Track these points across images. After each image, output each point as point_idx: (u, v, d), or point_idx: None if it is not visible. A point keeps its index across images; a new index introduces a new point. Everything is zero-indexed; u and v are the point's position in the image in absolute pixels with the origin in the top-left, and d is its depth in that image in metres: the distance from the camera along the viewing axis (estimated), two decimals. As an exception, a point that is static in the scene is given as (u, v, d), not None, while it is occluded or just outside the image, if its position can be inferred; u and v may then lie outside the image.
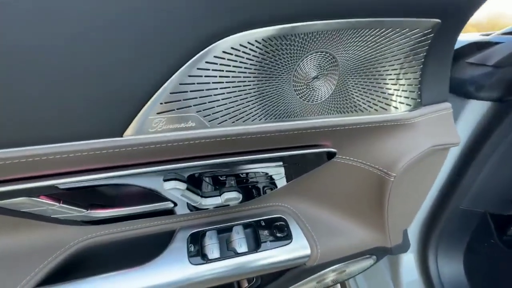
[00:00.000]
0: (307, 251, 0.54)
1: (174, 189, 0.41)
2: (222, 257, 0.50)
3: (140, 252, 0.51)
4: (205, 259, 0.50)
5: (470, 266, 0.94)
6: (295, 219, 0.58)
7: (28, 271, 0.43)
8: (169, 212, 0.52)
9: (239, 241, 0.52)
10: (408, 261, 0.97)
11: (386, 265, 1.05)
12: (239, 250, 0.52)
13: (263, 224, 0.56)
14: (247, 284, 0.64)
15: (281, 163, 0.47)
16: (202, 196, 0.47)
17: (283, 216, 0.58)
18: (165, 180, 0.40)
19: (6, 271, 0.43)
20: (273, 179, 0.51)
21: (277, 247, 0.53)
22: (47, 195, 0.38)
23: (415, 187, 0.53)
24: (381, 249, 0.62)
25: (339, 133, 0.42)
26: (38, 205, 0.37)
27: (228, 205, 0.52)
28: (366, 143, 0.46)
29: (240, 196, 0.49)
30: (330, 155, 0.47)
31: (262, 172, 0.47)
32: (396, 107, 0.43)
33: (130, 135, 0.33)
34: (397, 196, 0.49)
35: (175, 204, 0.47)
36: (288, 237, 0.55)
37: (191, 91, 0.33)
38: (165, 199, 0.46)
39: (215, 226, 0.55)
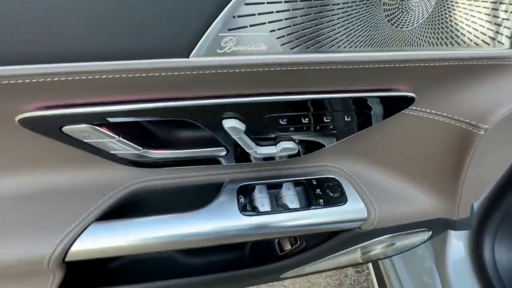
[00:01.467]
0: (364, 214, 0.49)
1: (233, 129, 0.38)
2: (273, 211, 0.48)
3: (190, 201, 0.50)
4: (256, 211, 0.48)
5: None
6: (350, 181, 0.53)
7: (86, 207, 0.44)
8: (218, 163, 0.50)
9: (290, 197, 0.49)
10: (457, 247, 0.89)
11: (429, 249, 0.97)
12: (291, 206, 0.49)
13: (314, 183, 0.52)
14: (289, 247, 0.62)
15: (345, 111, 0.42)
16: (257, 144, 0.44)
17: (336, 177, 0.54)
18: (224, 118, 0.38)
19: (66, 205, 0.44)
20: (331, 131, 0.46)
21: (332, 207, 0.49)
22: (108, 126, 0.37)
23: (503, 148, 0.45)
24: (443, 222, 0.55)
25: (424, 72, 0.35)
26: (99, 135, 0.37)
27: (281, 157, 0.49)
28: (455, 87, 0.39)
29: (296, 148, 0.45)
30: (406, 102, 0.40)
31: (324, 120, 0.43)
32: (501, 42, 0.35)
33: (197, 55, 0.30)
34: (482, 157, 0.42)
35: (228, 151, 0.45)
36: (342, 198, 0.51)
37: (267, 2, 0.29)
38: (218, 143, 0.43)
39: (264, 181, 0.52)
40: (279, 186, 0.52)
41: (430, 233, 0.61)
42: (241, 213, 0.46)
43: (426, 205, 0.52)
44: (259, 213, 0.47)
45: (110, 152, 0.40)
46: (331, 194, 0.51)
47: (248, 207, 0.48)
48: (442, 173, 0.48)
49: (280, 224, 0.47)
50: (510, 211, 0.76)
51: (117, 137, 0.37)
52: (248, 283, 0.66)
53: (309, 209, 0.48)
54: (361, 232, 0.51)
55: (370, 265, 1.28)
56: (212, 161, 0.48)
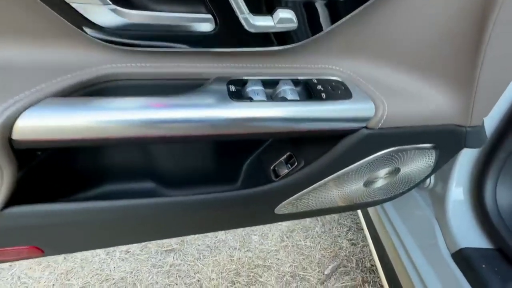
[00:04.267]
0: (371, 110, 0.43)
1: None
2: (269, 101, 0.41)
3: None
4: (249, 99, 0.41)
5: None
6: (354, 81, 0.47)
7: (43, 80, 0.36)
8: (205, 47, 0.43)
9: (288, 91, 0.43)
10: (457, 195, 0.85)
11: (426, 200, 0.93)
12: (289, 98, 0.42)
13: (315, 81, 0.46)
14: (286, 170, 0.55)
15: None
16: (251, 12, 0.37)
17: (339, 79, 0.48)
18: None
19: (21, 76, 0.36)
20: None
21: (335, 101, 0.43)
22: None
23: None
24: (452, 133, 0.50)
25: None
26: None
27: (273, 43, 0.42)
28: None
29: (296, 21, 0.39)
30: None
31: None
32: None
33: None
34: (506, 25, 0.37)
35: (216, 23, 0.38)
36: (346, 94, 0.45)
37: None
38: (204, 7, 0.36)
39: (258, 77, 0.45)
40: (275, 84, 0.45)
41: (437, 154, 0.56)
42: (231, 99, 0.39)
43: (439, 105, 0.47)
44: (253, 100, 0.40)
45: (70, 3, 0.33)
46: (334, 91, 0.45)
47: (241, 95, 0.41)
48: (456, 59, 0.43)
49: (276, 116, 0.40)
50: (513, 152, 0.73)
51: None
52: (237, 215, 0.58)
53: (310, 101, 0.42)
54: (368, 134, 0.45)
55: (367, 235, 1.23)
56: (197, 44, 0.41)
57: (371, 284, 1.25)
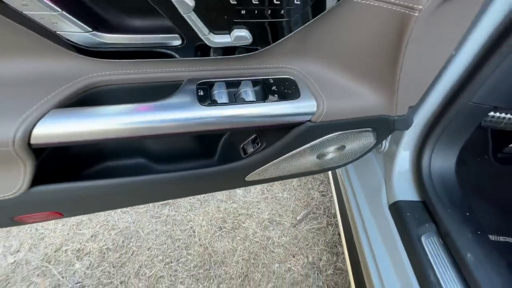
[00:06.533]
0: (313, 107, 0.55)
1: (181, 3, 0.38)
2: (231, 103, 0.52)
3: (148, 99, 0.52)
4: (215, 103, 0.51)
5: (461, 175, 0.99)
6: (304, 80, 0.57)
7: (43, 95, 0.45)
8: (177, 60, 0.51)
9: (248, 92, 0.53)
10: (403, 157, 1.03)
11: (380, 162, 1.11)
12: (247, 99, 0.52)
13: (271, 81, 0.56)
14: (252, 149, 0.69)
15: None
16: (211, 31, 0.45)
17: (291, 77, 0.57)
18: None
19: (21, 92, 0.44)
20: (284, 17, 0.47)
21: (285, 101, 0.54)
22: None
23: (437, 39, 0.50)
24: (384, 121, 0.63)
25: None
26: (39, 6, 0.35)
27: (240, 53, 0.50)
28: None
29: (250, 37, 0.47)
30: None
31: (274, 1, 0.43)
32: None
33: None
34: (417, 44, 0.47)
35: (183, 40, 0.45)
36: (296, 94, 0.55)
37: None
38: (172, 30, 0.43)
39: (223, 79, 0.54)
40: (237, 84, 0.55)
41: (375, 134, 0.70)
42: (200, 104, 0.49)
43: (369, 101, 0.58)
44: (217, 104, 0.50)
45: (56, 32, 0.39)
46: (286, 91, 0.55)
47: (208, 99, 0.51)
48: (382, 66, 0.53)
49: (237, 114, 0.51)
50: (448, 126, 0.87)
51: (59, 10, 0.36)
52: (215, 184, 0.74)
53: (264, 102, 0.53)
54: (312, 126, 0.57)
55: (332, 188, 1.45)
56: (169, 54, 0.49)
57: (333, 226, 1.53)
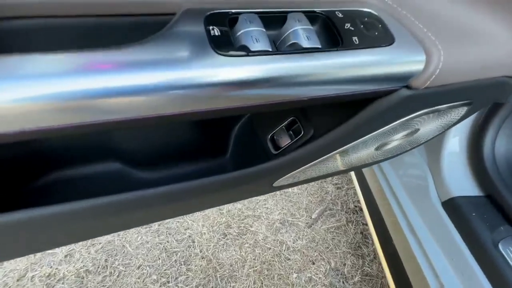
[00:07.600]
0: (421, 59, 0.31)
1: None
2: (275, 52, 0.26)
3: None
4: (244, 50, 0.26)
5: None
6: (394, 13, 0.33)
7: None
8: None
9: (304, 32, 0.28)
10: (454, 142, 0.82)
11: (420, 149, 0.90)
12: (305, 45, 0.27)
13: (340, 15, 0.31)
14: (289, 141, 0.44)
15: None
16: None
17: (371, 10, 0.33)
18: None
19: None
20: None
21: (373, 48, 0.29)
22: None
23: None
24: (503, 85, 0.40)
25: None
26: None
27: None
28: None
29: None
30: None
31: None
32: None
33: None
34: None
35: None
36: (386, 37, 0.31)
37: None
38: None
39: (254, 10, 0.29)
40: (280, 20, 0.29)
41: (467, 110, 0.47)
42: (215, 50, 0.24)
43: (507, 49, 0.35)
44: (250, 53, 0.25)
45: None
46: (368, 33, 0.30)
47: (230, 42, 0.25)
48: None
49: (289, 75, 0.26)
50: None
51: None
52: (229, 195, 0.49)
53: (337, 50, 0.28)
54: (411, 96, 0.33)
55: (354, 179, 1.24)
56: None
57: (354, 223, 1.33)
